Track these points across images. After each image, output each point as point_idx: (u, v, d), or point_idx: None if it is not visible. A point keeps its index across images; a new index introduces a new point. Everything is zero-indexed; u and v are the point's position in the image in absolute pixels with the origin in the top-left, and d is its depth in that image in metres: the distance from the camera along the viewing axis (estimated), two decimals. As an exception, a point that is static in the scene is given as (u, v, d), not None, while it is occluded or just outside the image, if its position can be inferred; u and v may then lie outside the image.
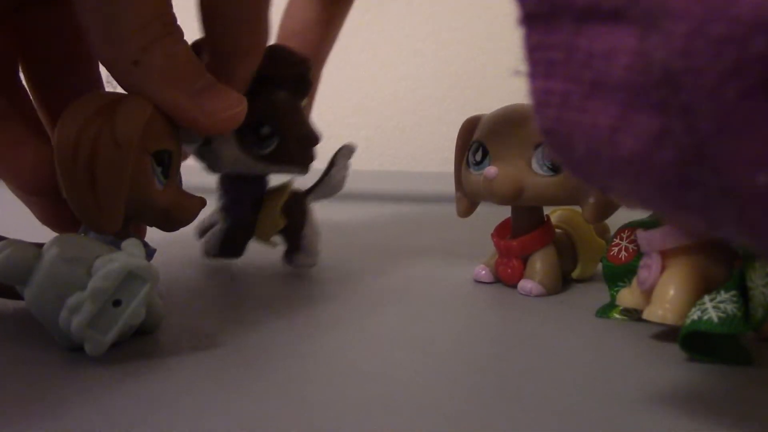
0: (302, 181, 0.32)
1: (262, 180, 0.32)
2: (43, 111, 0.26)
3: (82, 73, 0.26)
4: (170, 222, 0.24)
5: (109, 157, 0.21)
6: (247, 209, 0.31)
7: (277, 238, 0.33)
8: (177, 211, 0.24)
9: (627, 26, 0.10)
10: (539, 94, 0.11)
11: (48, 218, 0.26)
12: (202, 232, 0.34)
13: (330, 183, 0.33)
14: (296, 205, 0.32)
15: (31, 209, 0.26)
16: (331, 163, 0.33)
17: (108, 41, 0.21)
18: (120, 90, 0.23)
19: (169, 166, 0.23)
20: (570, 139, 0.11)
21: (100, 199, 0.21)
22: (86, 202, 0.21)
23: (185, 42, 0.23)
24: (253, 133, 0.29)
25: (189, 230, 0.40)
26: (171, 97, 0.22)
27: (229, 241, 0.32)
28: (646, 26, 0.10)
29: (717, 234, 0.11)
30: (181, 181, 0.25)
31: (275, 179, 0.32)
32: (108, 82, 0.25)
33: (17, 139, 0.23)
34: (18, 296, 0.21)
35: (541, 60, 0.11)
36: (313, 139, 0.31)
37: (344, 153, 0.33)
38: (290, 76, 0.30)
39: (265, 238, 0.32)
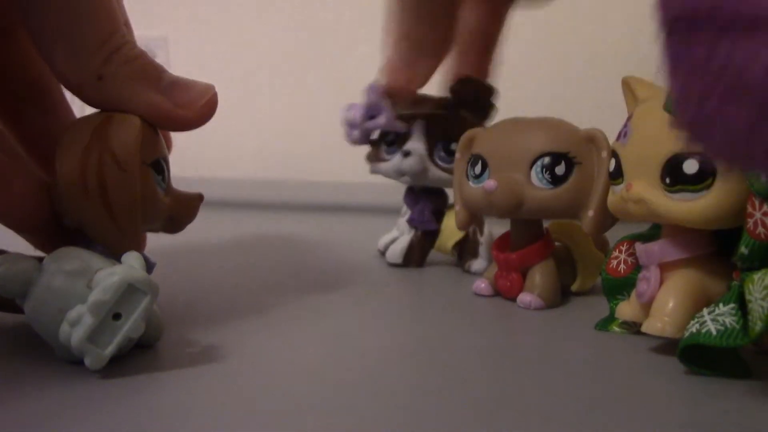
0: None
1: (443, 194, 0.36)
2: (19, 143, 0.25)
3: (47, 98, 0.26)
4: (176, 224, 0.25)
5: (118, 181, 0.21)
6: (431, 221, 0.36)
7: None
8: (181, 212, 0.25)
9: (764, 35, 0.11)
10: (679, 92, 0.12)
11: (46, 250, 0.25)
12: (386, 246, 0.37)
13: None
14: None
15: (27, 241, 0.25)
16: None
17: (70, 63, 0.21)
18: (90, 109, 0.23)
19: (165, 172, 0.24)
20: (708, 133, 0.12)
21: (120, 222, 0.22)
22: (107, 229, 0.22)
23: (139, 47, 0.23)
24: (444, 149, 0.34)
25: (189, 243, 0.40)
26: (145, 99, 0.22)
27: (413, 251, 0.36)
28: None
29: None
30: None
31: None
32: (72, 101, 0.25)
33: (2, 174, 0.22)
34: (18, 309, 0.21)
35: (681, 62, 0.12)
36: None
37: None
38: (478, 102, 0.35)
39: (446, 248, 0.36)
